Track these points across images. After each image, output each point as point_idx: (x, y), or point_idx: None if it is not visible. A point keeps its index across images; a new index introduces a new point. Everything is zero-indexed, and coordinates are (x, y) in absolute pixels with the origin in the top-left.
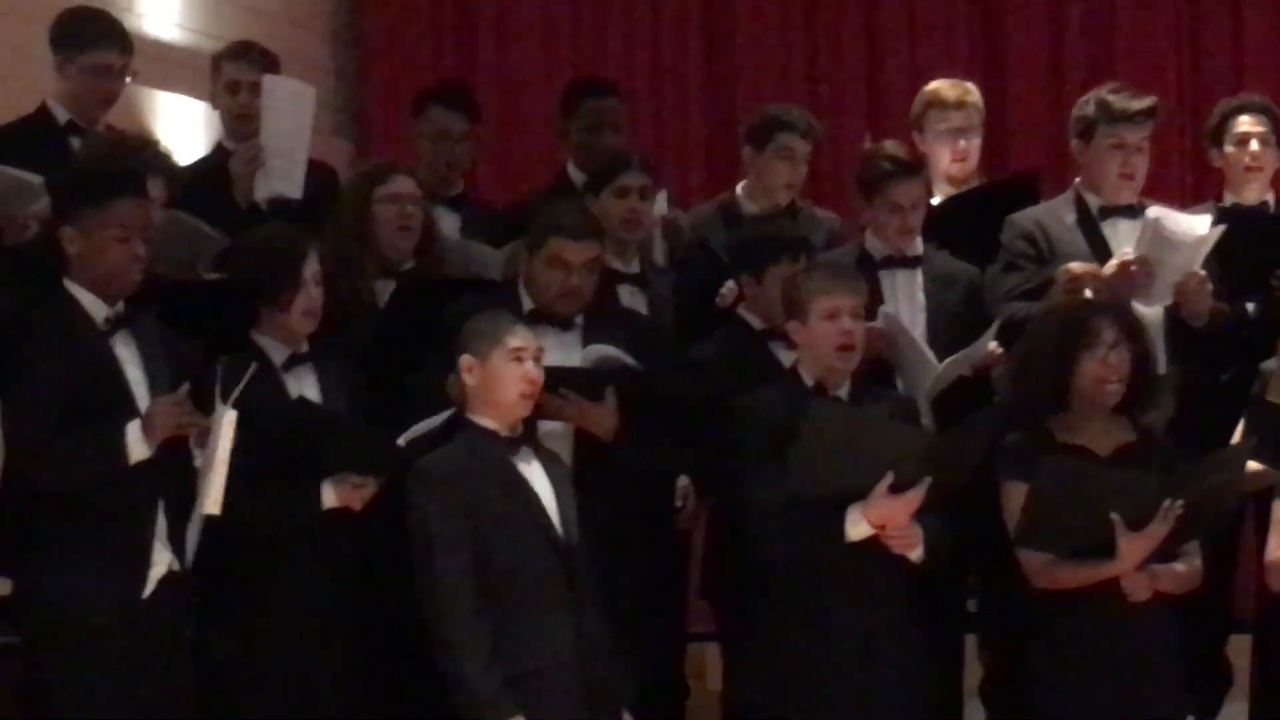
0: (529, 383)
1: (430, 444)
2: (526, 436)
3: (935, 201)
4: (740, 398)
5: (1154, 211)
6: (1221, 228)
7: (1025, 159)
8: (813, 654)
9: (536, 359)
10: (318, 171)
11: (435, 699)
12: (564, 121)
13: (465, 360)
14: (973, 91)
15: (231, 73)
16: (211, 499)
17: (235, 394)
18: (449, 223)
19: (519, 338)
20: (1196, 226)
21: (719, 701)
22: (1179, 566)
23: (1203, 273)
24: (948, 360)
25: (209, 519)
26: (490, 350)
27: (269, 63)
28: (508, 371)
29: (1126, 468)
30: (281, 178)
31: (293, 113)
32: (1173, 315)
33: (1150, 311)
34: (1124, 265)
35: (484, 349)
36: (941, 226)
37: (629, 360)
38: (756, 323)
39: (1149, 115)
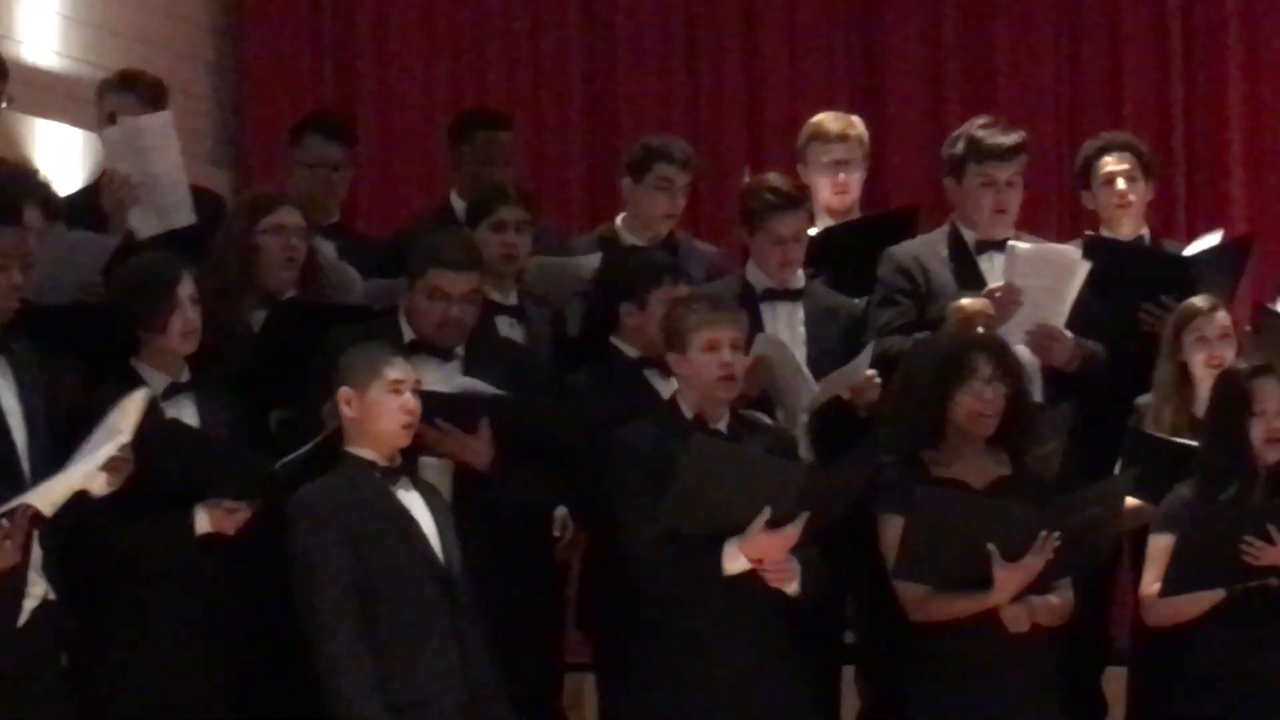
0: (408, 414)
1: (302, 466)
2: (405, 467)
3: (813, 232)
4: (619, 429)
5: (1015, 242)
6: (1087, 265)
7: (905, 192)
8: (689, 687)
9: (415, 391)
10: (205, 200)
11: None
12: (453, 150)
13: (344, 392)
14: (856, 124)
15: (116, 103)
16: (51, 500)
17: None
18: (325, 251)
19: (398, 370)
20: (1063, 253)
21: None
22: (1053, 599)
23: (1053, 329)
24: (824, 380)
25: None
26: (369, 382)
27: (157, 93)
28: (386, 403)
29: (1002, 500)
30: (166, 212)
31: (158, 146)
32: None
33: (1024, 349)
34: (989, 294)
35: (362, 381)
36: (821, 257)
37: (495, 392)
38: (632, 352)
39: (1018, 152)
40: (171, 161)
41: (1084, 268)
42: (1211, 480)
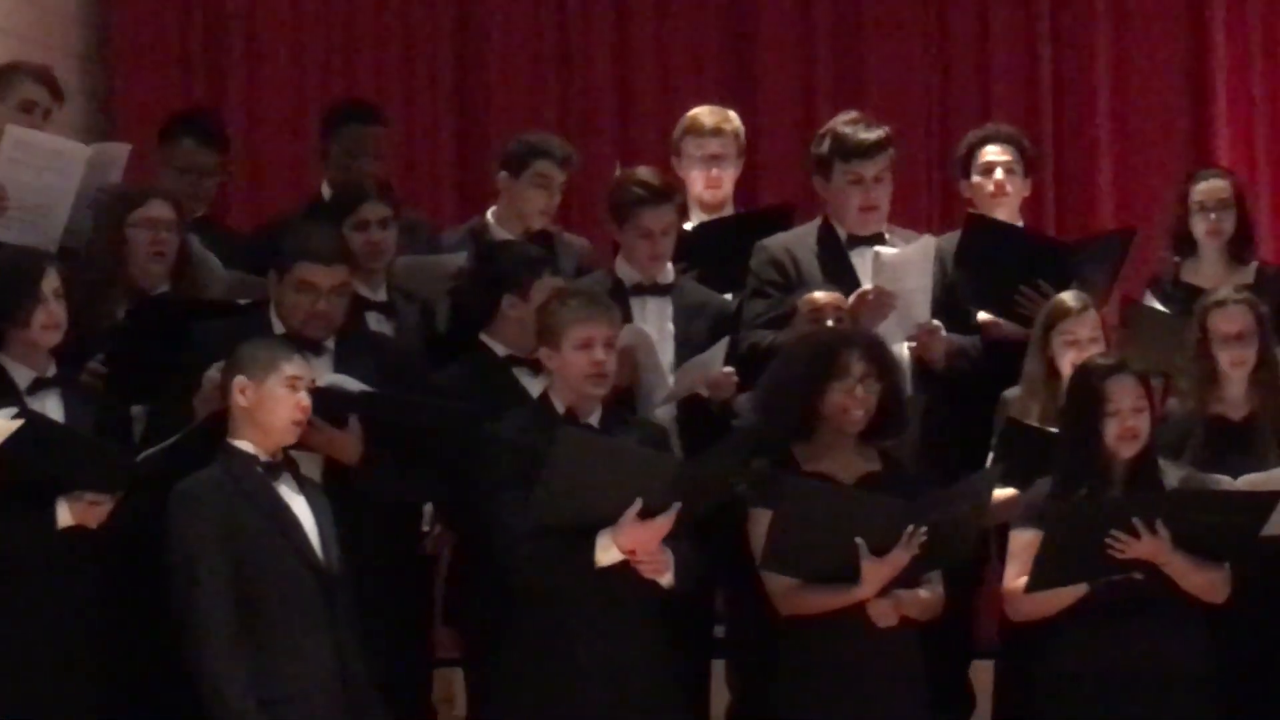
0: (301, 411)
1: (165, 459)
2: (287, 463)
3: (689, 226)
4: (490, 424)
5: (878, 246)
6: (932, 239)
7: (777, 187)
8: (560, 680)
9: (310, 390)
10: None
11: None
12: (324, 142)
13: (239, 381)
14: (732, 120)
15: (34, 93)
16: None
17: None
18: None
19: (296, 366)
20: (924, 248)
21: None
22: (922, 592)
23: (935, 322)
24: (680, 369)
25: None
26: (266, 375)
27: (58, 94)
28: (281, 398)
29: (869, 493)
30: (30, 227)
31: (60, 170)
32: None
33: (898, 344)
34: (861, 296)
35: (260, 373)
36: (694, 252)
37: (364, 387)
38: (501, 350)
39: (883, 148)
40: (62, 189)
41: (932, 244)
42: (1069, 477)
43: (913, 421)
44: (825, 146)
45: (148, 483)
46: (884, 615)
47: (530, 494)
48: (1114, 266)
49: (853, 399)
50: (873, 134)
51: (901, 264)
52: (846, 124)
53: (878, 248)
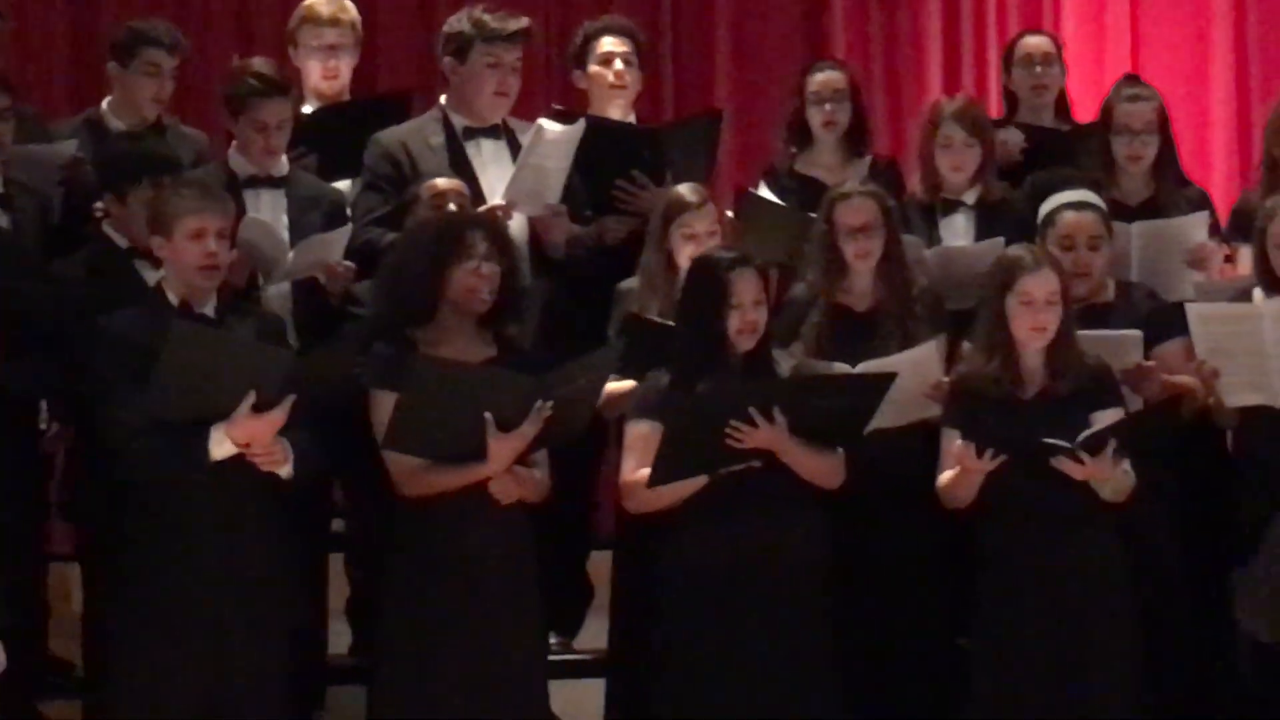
0: None
1: None
2: None
3: (306, 110)
4: (103, 317)
5: (542, 119)
6: (581, 124)
7: (393, 77)
8: (175, 575)
9: None
10: None
11: None
12: None
13: None
14: (349, 10)
15: None
16: None
17: None
18: None
19: None
20: (572, 128)
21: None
22: (536, 473)
23: (560, 207)
24: (297, 247)
25: None
26: None
27: None
28: None
29: (498, 369)
30: None
31: None
32: (534, 231)
33: (514, 227)
34: (491, 210)
35: None
36: (311, 137)
37: None
38: (121, 241)
39: (524, 36)
40: None
41: (578, 131)
42: (687, 369)
43: (533, 310)
44: (466, 27)
45: None
46: (505, 491)
47: (143, 388)
48: (708, 152)
49: (478, 278)
50: (517, 23)
51: (556, 141)
52: (487, 10)
53: (542, 119)
